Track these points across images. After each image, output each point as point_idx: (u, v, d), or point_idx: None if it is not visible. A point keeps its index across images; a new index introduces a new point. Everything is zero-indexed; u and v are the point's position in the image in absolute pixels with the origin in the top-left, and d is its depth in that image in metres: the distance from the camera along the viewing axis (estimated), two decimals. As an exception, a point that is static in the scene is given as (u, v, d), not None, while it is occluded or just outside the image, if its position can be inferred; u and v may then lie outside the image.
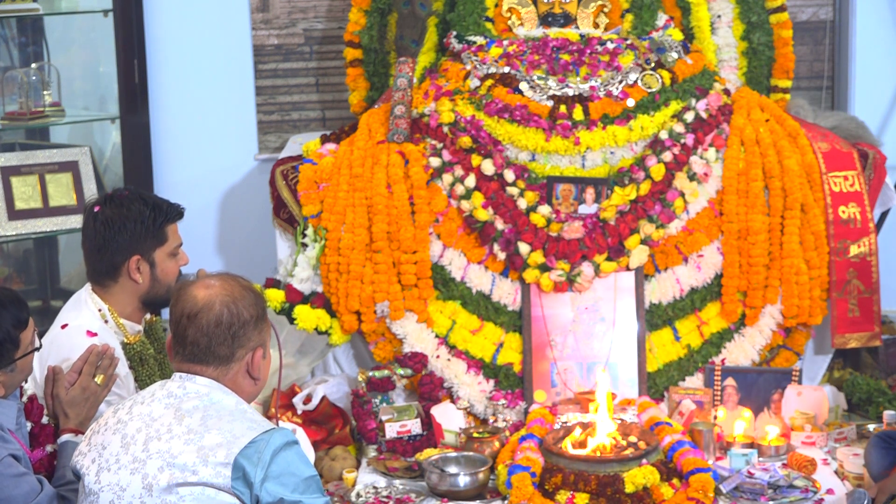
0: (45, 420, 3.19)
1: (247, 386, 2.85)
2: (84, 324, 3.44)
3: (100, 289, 3.54)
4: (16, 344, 3.02)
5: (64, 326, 3.45)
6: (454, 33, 4.72)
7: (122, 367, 3.47)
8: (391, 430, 4.16)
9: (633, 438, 3.91)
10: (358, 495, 3.84)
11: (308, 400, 4.24)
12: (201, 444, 2.67)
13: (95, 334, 3.40)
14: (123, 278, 3.51)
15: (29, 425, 3.15)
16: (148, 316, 3.64)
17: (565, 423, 4.09)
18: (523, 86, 4.49)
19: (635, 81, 4.51)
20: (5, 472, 2.90)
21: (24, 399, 3.17)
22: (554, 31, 4.66)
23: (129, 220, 3.49)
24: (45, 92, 4.93)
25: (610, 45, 4.56)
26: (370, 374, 4.28)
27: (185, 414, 2.73)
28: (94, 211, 3.52)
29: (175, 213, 3.59)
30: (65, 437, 3.15)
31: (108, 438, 2.79)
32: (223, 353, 2.79)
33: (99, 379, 3.21)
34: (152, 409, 2.78)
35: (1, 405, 3.01)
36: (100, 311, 3.50)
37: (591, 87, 4.47)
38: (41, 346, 3.16)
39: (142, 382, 3.50)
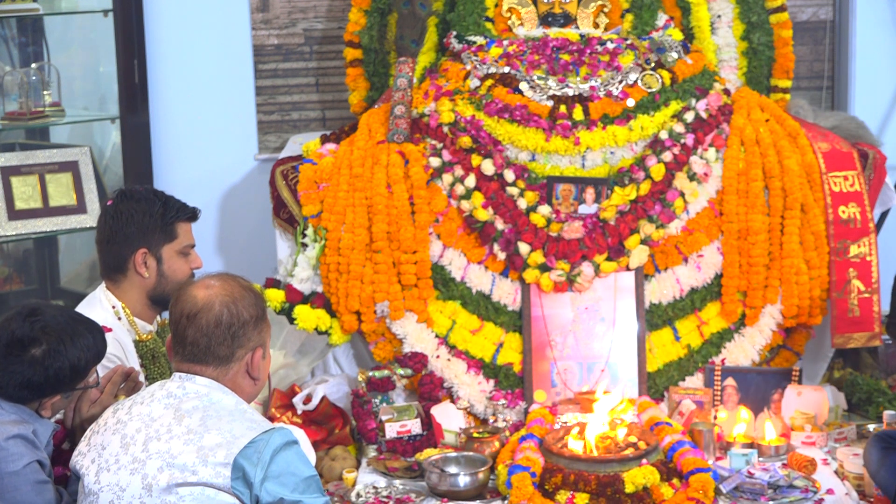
0: (65, 446, 3.21)
1: (246, 386, 2.85)
2: (98, 319, 3.45)
3: (111, 284, 3.58)
4: (83, 375, 3.08)
5: None
6: (454, 33, 4.72)
7: (134, 365, 3.49)
8: (391, 430, 4.16)
9: (632, 438, 3.91)
10: (358, 495, 3.84)
11: (308, 400, 4.24)
12: (201, 445, 2.67)
13: (110, 329, 3.42)
14: (131, 272, 3.55)
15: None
16: (160, 318, 3.66)
17: (565, 423, 4.09)
18: (523, 86, 4.49)
19: (635, 81, 4.51)
20: (31, 476, 2.92)
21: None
22: (554, 31, 4.66)
23: (139, 212, 3.53)
24: (45, 92, 4.92)
25: (610, 45, 4.56)
26: (370, 374, 4.28)
27: (185, 414, 2.73)
28: (108, 205, 3.58)
29: (187, 211, 3.63)
30: None
31: (108, 439, 2.79)
32: (223, 353, 2.79)
33: (121, 399, 3.22)
34: (152, 410, 2.78)
35: (42, 422, 3.06)
36: (113, 307, 3.53)
37: (591, 87, 4.47)
38: (100, 385, 3.18)
39: (152, 380, 3.52)
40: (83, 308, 3.55)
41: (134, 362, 3.49)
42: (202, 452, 2.66)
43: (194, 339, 2.79)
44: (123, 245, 3.53)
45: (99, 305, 3.53)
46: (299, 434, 3.43)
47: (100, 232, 3.61)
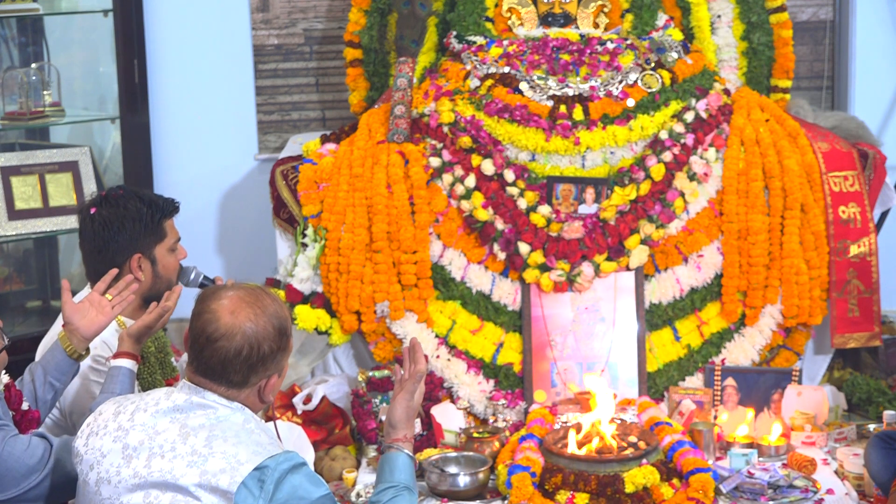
0: (25, 406, 3.17)
1: (256, 405, 2.81)
2: None
3: None
4: None
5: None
6: (454, 33, 4.72)
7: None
8: (391, 430, 4.16)
9: (633, 438, 3.91)
10: (358, 495, 3.84)
11: (308, 400, 4.24)
12: (204, 469, 2.61)
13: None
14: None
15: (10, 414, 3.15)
16: None
17: (565, 423, 4.09)
18: (523, 86, 4.49)
19: (635, 81, 4.51)
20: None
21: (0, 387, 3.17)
22: (554, 31, 4.66)
23: (128, 219, 3.49)
24: (45, 92, 4.92)
25: (610, 45, 4.57)
26: (370, 374, 4.28)
27: (191, 432, 2.66)
28: (91, 213, 3.51)
29: (171, 207, 3.59)
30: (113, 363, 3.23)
31: (108, 445, 2.73)
32: (237, 379, 2.73)
33: (109, 295, 3.31)
34: (157, 422, 2.71)
35: None
36: None
37: (591, 87, 4.47)
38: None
39: (143, 381, 3.49)
40: None
41: None
42: (205, 477, 2.61)
43: (210, 362, 2.73)
44: (116, 254, 3.49)
45: None
46: (297, 431, 3.41)
47: (88, 242, 3.52)
